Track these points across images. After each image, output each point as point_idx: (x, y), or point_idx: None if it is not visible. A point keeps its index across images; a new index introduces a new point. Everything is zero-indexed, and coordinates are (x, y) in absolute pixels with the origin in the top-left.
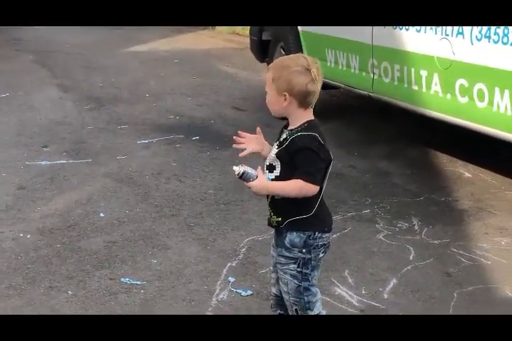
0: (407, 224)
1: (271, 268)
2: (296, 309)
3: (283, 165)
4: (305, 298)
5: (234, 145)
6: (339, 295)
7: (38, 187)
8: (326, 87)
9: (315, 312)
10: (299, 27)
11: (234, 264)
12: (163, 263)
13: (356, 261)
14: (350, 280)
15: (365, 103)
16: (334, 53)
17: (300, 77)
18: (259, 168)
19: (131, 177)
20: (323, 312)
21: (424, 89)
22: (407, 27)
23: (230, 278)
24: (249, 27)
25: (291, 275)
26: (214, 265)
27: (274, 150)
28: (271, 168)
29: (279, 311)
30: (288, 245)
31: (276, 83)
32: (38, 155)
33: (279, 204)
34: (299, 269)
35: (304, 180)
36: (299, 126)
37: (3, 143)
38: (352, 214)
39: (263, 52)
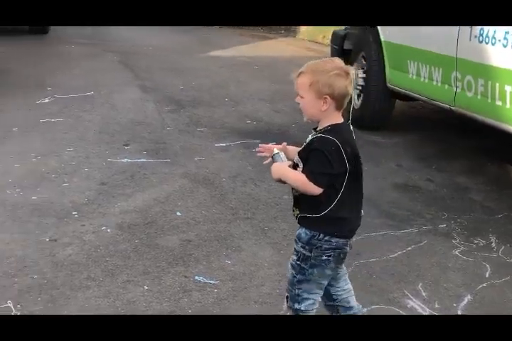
0: (484, 241)
1: None
2: (287, 296)
3: (304, 163)
4: (296, 290)
5: (258, 154)
6: (411, 307)
7: (118, 183)
8: (406, 98)
9: (301, 307)
10: (381, 37)
11: None
12: (236, 265)
13: (430, 275)
14: (423, 294)
15: (445, 116)
16: (416, 65)
17: (341, 80)
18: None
19: (208, 178)
20: (311, 312)
21: (508, 105)
22: (493, 41)
23: None
24: (330, 36)
25: (291, 265)
26: (286, 270)
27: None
28: (294, 166)
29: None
30: (296, 237)
31: (316, 87)
32: (119, 153)
33: (296, 200)
34: (298, 262)
35: (306, 177)
36: (323, 128)
37: (86, 140)
38: (428, 227)
39: (344, 61)
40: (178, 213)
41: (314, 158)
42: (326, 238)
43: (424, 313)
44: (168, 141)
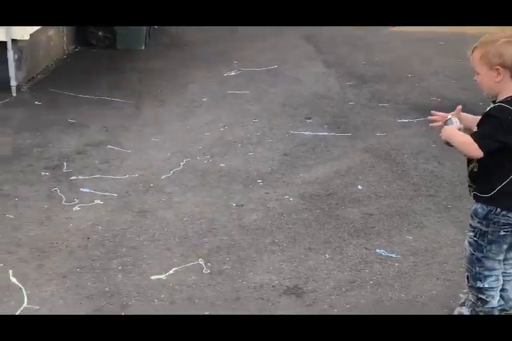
0: None
1: None
2: (467, 275)
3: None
4: (476, 267)
5: (430, 121)
6: None
7: (300, 155)
8: None
9: (484, 285)
10: None
11: None
12: (418, 241)
13: None
14: None
15: None
16: None
17: (510, 48)
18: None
19: (390, 154)
20: (496, 290)
21: None
22: None
23: None
24: None
25: (469, 243)
26: (463, 248)
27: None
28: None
29: None
30: (472, 213)
31: (486, 59)
32: (301, 126)
33: (472, 175)
34: (475, 238)
35: (473, 138)
36: (504, 99)
37: (270, 112)
38: None
39: None
40: (360, 186)
41: (487, 123)
42: (504, 212)
43: None
44: (350, 116)
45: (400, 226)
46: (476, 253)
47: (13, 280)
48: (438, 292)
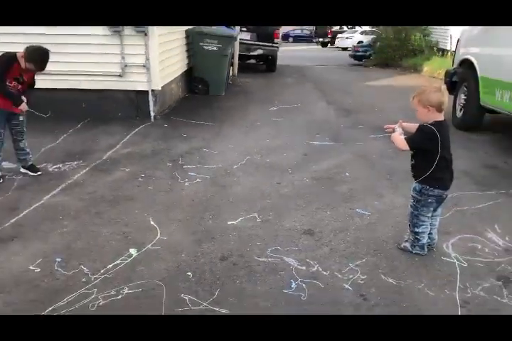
0: None
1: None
2: (409, 224)
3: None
4: (414, 220)
5: (385, 130)
6: (490, 238)
7: (313, 155)
8: (493, 112)
9: (419, 230)
10: (478, 73)
11: None
12: (381, 204)
13: (504, 219)
14: (498, 230)
15: None
16: (501, 91)
17: (435, 94)
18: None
19: (365, 155)
20: (424, 236)
21: None
22: None
23: None
24: (443, 73)
25: (410, 206)
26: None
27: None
28: None
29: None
30: (412, 188)
31: (421, 102)
32: (313, 139)
33: (412, 167)
34: (414, 203)
35: (405, 139)
36: (430, 122)
37: (296, 131)
38: (503, 191)
39: (452, 89)
40: (347, 173)
41: (416, 133)
42: (431, 189)
43: (498, 242)
44: (342, 133)
45: (370, 196)
46: (414, 211)
47: (152, 223)
48: (392, 234)
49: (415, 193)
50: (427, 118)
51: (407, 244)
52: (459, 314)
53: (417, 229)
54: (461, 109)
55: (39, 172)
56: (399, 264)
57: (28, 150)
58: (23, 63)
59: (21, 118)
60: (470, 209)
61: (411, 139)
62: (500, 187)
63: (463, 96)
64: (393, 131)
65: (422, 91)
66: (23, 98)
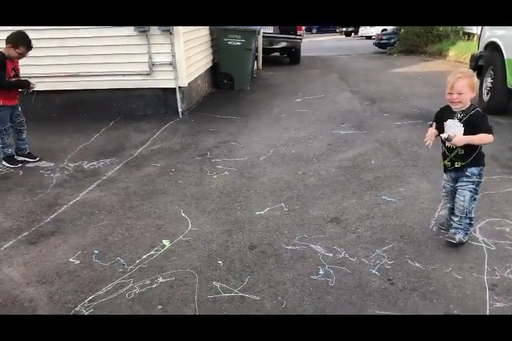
0: None
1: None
2: (464, 211)
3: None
4: (472, 205)
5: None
6: (509, 215)
7: (338, 144)
8: None
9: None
10: (504, 56)
11: None
12: (406, 191)
13: None
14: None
15: None
16: None
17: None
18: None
19: (390, 143)
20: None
21: None
22: None
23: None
24: (469, 57)
25: (469, 191)
26: (438, 195)
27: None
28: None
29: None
30: (469, 174)
31: (471, 85)
32: (338, 128)
33: (460, 156)
34: (474, 187)
35: (486, 131)
36: (472, 107)
37: (320, 121)
38: None
39: (478, 73)
40: (372, 161)
41: (486, 120)
42: (484, 168)
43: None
44: (367, 121)
45: (396, 183)
46: (474, 195)
47: (183, 214)
48: (418, 219)
49: (475, 177)
50: (468, 101)
51: (460, 236)
52: (487, 299)
53: (472, 215)
54: (487, 93)
55: (37, 158)
56: (425, 249)
57: (26, 140)
58: (13, 54)
59: (20, 109)
60: (498, 193)
61: (488, 128)
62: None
63: (489, 80)
64: (447, 139)
65: (469, 74)
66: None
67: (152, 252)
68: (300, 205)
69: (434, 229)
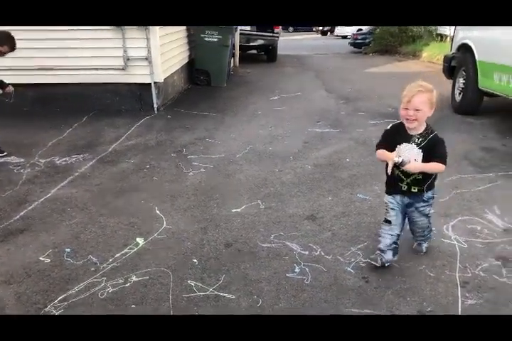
0: None
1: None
2: (426, 234)
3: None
4: (430, 224)
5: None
6: (489, 219)
7: (314, 142)
8: (491, 95)
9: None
10: (476, 57)
11: None
12: (381, 189)
13: (503, 201)
14: (497, 212)
15: None
16: (499, 74)
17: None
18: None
19: (365, 141)
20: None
21: None
22: None
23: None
24: (442, 58)
25: (425, 215)
26: None
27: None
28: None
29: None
30: (425, 198)
31: (431, 101)
32: (314, 126)
33: (417, 182)
34: (430, 210)
35: (439, 160)
36: (429, 130)
37: (296, 118)
38: (502, 173)
39: (451, 73)
40: (348, 159)
41: (443, 147)
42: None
43: (497, 223)
44: (342, 120)
45: (370, 181)
46: (430, 215)
47: (158, 212)
48: None
49: (431, 200)
50: (424, 120)
51: (425, 244)
52: (459, 296)
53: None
54: (459, 93)
55: (5, 153)
56: (399, 247)
57: None
58: None
59: None
60: (469, 191)
61: (444, 157)
62: (498, 170)
63: (461, 81)
64: (401, 165)
65: (429, 88)
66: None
67: (126, 250)
68: (276, 203)
69: (408, 227)
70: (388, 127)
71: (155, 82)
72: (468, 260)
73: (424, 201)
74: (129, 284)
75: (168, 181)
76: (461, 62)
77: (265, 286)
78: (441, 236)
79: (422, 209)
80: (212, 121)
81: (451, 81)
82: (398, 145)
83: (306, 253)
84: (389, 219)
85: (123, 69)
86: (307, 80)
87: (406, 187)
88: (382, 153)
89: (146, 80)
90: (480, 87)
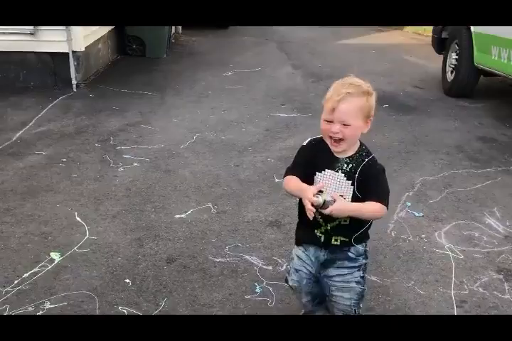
0: None
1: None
2: (355, 310)
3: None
4: (363, 298)
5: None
6: (488, 224)
7: (277, 130)
8: (488, 74)
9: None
10: (471, 28)
11: (410, 194)
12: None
13: (503, 202)
14: (497, 215)
15: None
16: (498, 49)
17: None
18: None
19: None
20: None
21: None
22: None
23: (407, 202)
24: (431, 27)
25: (357, 282)
26: (397, 193)
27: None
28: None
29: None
30: (354, 256)
31: (366, 110)
32: (278, 110)
33: (343, 229)
34: (362, 274)
35: (379, 198)
36: (363, 151)
37: (256, 100)
38: (502, 168)
39: (442, 47)
40: None
41: (384, 179)
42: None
43: (498, 228)
44: (311, 102)
45: None
46: (364, 287)
47: (78, 219)
48: (373, 222)
49: (362, 259)
50: (357, 138)
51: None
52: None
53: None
54: (452, 71)
55: None
56: (383, 259)
57: None
58: None
59: None
60: (465, 190)
61: (384, 194)
62: (498, 164)
63: (454, 56)
64: (322, 207)
65: (363, 90)
66: None
67: (36, 269)
68: (232, 206)
69: (393, 234)
70: (305, 143)
71: (73, 52)
72: (465, 273)
73: (351, 259)
74: (41, 312)
75: (91, 179)
76: (453, 34)
77: (218, 311)
78: (432, 245)
79: (345, 273)
80: (149, 102)
81: (441, 56)
82: (317, 173)
83: (270, 268)
84: (291, 284)
85: (31, 34)
86: (268, 53)
87: (323, 237)
88: (296, 186)
89: (62, 49)
90: (476, 64)
